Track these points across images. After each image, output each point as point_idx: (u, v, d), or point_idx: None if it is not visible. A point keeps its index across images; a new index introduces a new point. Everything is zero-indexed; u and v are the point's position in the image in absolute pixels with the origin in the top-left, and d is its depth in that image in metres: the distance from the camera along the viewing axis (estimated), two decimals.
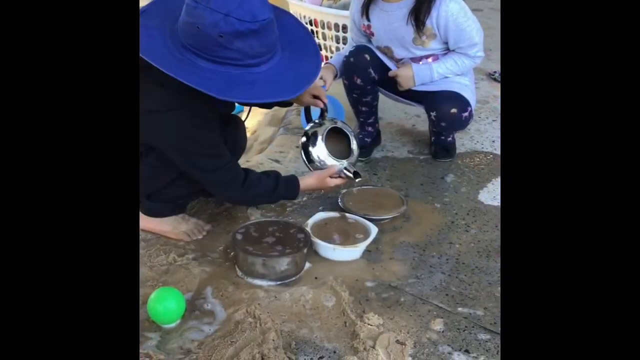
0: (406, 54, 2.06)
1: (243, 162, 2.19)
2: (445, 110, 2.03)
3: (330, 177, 1.77)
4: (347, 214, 1.80)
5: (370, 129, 2.30)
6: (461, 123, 2.08)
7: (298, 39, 1.56)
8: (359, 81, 2.12)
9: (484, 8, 4.24)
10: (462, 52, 2.00)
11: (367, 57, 2.09)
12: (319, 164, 1.81)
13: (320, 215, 1.79)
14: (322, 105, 1.83)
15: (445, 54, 2.03)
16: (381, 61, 2.11)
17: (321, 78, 2.03)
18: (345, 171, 1.78)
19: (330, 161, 1.80)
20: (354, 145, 1.87)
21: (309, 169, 1.83)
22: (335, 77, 2.11)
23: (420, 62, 2.05)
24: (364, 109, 2.24)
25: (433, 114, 2.07)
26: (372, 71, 2.10)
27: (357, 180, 1.79)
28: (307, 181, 1.74)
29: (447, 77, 2.04)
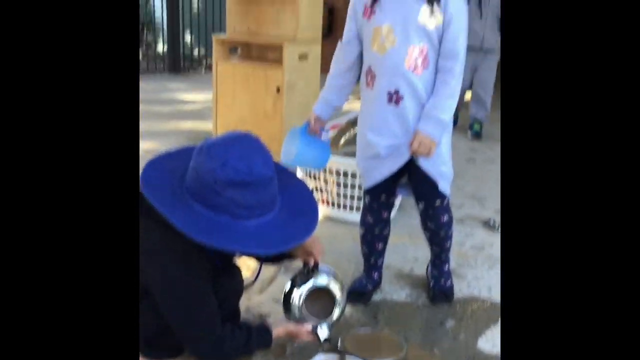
0: (403, 36, 1.91)
1: (243, 301, 2.21)
2: (431, 202, 2.12)
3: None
4: (346, 357, 1.80)
5: (375, 275, 2.34)
6: (443, 209, 2.15)
7: (300, 203, 1.61)
8: (381, 225, 2.24)
9: (477, 159, 4.46)
10: (443, 69, 1.93)
11: (382, 206, 2.20)
12: (296, 317, 1.80)
13: (319, 358, 1.78)
14: (311, 263, 1.80)
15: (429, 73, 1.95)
16: (388, 186, 2.15)
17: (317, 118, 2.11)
18: (318, 333, 1.76)
19: (307, 319, 1.79)
20: (337, 311, 1.85)
21: (286, 317, 1.83)
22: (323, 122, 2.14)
23: (407, 66, 1.92)
24: (380, 245, 2.29)
25: (421, 203, 2.16)
26: (387, 210, 2.23)
27: (323, 345, 1.77)
28: (279, 332, 1.73)
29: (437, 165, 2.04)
